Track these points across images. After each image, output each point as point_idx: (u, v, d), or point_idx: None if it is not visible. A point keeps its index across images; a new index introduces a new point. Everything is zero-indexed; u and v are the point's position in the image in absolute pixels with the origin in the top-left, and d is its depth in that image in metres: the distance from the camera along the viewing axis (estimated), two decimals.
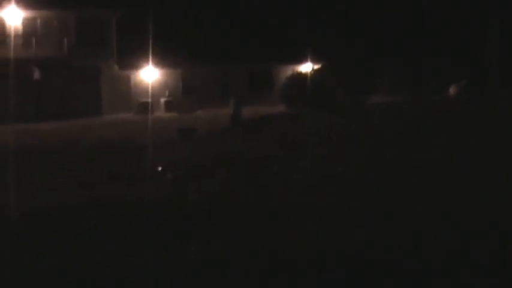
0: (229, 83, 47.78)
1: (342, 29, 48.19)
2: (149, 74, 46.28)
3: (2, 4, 42.38)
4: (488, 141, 16.83)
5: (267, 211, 10.42)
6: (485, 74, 44.68)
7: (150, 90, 44.62)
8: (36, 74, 43.94)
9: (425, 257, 7.47)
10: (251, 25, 48.84)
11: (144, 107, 43.19)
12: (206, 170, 16.82)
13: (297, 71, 44.48)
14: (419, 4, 48.88)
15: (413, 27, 48.59)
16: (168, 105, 46.17)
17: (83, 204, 12.72)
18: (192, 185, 14.30)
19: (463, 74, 44.57)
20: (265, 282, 7.03)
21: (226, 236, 8.97)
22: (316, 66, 45.37)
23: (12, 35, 42.54)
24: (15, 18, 43.02)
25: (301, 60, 47.59)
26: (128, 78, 46.51)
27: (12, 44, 41.81)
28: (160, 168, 18.00)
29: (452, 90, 43.71)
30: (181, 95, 47.29)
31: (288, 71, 46.06)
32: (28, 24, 43.81)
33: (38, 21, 44.11)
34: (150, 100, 43.87)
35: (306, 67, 46.48)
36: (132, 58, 45.14)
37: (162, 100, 46.48)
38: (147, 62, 44.69)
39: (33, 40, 43.80)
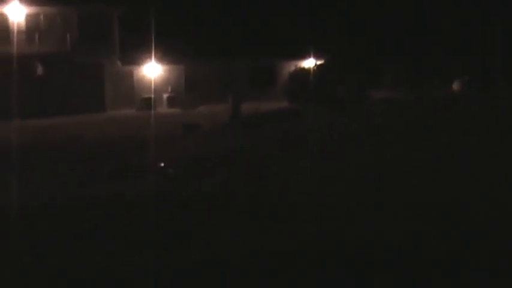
0: (232, 79, 47.78)
1: (344, 24, 48.20)
2: (152, 70, 46.30)
3: (6, 0, 42.44)
4: (489, 140, 16.74)
5: (267, 211, 10.42)
6: (488, 70, 44.65)
7: (152, 86, 44.69)
8: (39, 70, 43.95)
9: (424, 257, 7.46)
10: (254, 21, 48.88)
11: (147, 103, 43.29)
12: (208, 167, 16.85)
13: (299, 67, 44.40)
14: (422, 0, 48.87)
15: (416, 24, 48.60)
16: (171, 101, 46.19)
17: (83, 201, 12.75)
18: (193, 182, 14.32)
19: (466, 70, 44.57)
20: (265, 281, 7.03)
21: (226, 235, 8.97)
22: (319, 62, 45.35)
23: (15, 31, 42.54)
24: (18, 14, 43.06)
25: (304, 56, 47.59)
26: (131, 74, 46.49)
27: (15, 39, 41.82)
28: (162, 164, 18.06)
29: (455, 86, 43.70)
30: (184, 90, 47.29)
31: (291, 67, 45.97)
32: (31, 20, 43.81)
33: (41, 17, 44.12)
34: (152, 96, 43.94)
35: (309, 63, 46.48)
36: (135, 54, 45.16)
37: (165, 96, 46.49)
38: (150, 58, 44.77)
39: (36, 36, 43.80)
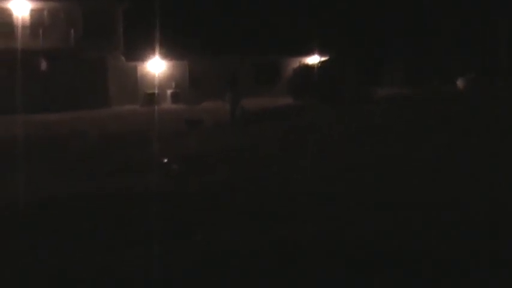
0: (232, 75, 47.80)
1: (348, 21, 48.17)
2: (156, 66, 46.39)
3: None
4: (490, 140, 16.67)
5: (267, 211, 10.43)
6: (493, 68, 44.62)
7: (156, 82, 44.81)
8: (43, 66, 44.04)
9: (425, 257, 7.46)
10: (258, 17, 48.85)
11: (151, 99, 43.40)
12: (209, 165, 16.88)
13: (303, 64, 44.43)
14: None
15: (421, 21, 48.58)
16: (175, 97, 46.28)
17: (80, 197, 12.79)
18: (194, 180, 14.34)
19: (470, 68, 44.54)
20: (265, 282, 7.03)
21: (226, 234, 8.99)
22: (323, 59, 45.36)
23: (20, 27, 42.66)
24: (22, 9, 43.17)
25: (308, 52, 47.67)
26: (135, 70, 46.60)
27: (19, 35, 41.95)
28: (165, 160, 18.09)
29: (459, 83, 43.68)
30: (188, 86, 47.38)
31: (295, 63, 46.00)
32: (35, 15, 43.92)
33: (45, 12, 44.22)
34: (156, 91, 44.04)
35: (313, 59, 46.53)
36: (139, 49, 45.25)
37: (169, 92, 46.57)
38: (154, 53, 44.88)
39: (40, 31, 43.89)
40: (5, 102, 39.18)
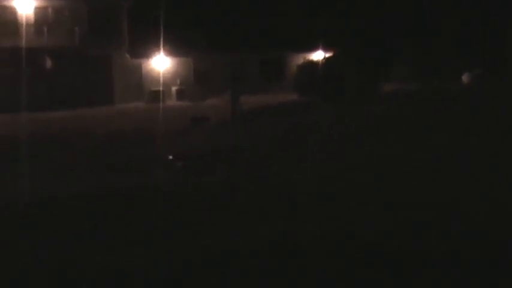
0: (236, 73, 47.82)
1: (354, 17, 48.10)
2: (160, 63, 46.41)
3: None
4: (491, 140, 16.53)
5: (266, 210, 10.48)
6: (499, 63, 44.51)
7: (161, 79, 44.80)
8: (48, 63, 44.11)
9: (425, 257, 7.50)
10: (263, 13, 48.83)
11: (156, 96, 43.41)
12: (212, 163, 16.99)
13: (308, 60, 44.38)
14: None
15: (428, 16, 48.51)
16: (180, 94, 46.29)
17: (83, 196, 12.89)
18: (200, 176, 14.45)
19: (477, 63, 44.46)
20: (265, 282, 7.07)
21: (226, 235, 9.03)
22: (328, 55, 45.33)
23: (24, 25, 42.73)
24: (27, 7, 43.24)
25: (313, 48, 47.65)
26: (140, 67, 46.60)
27: (24, 33, 42.01)
28: (171, 157, 18.21)
29: (464, 78, 43.61)
30: (193, 83, 47.36)
31: (300, 59, 45.95)
32: (40, 13, 43.96)
33: (50, 10, 44.25)
34: (161, 89, 44.06)
35: (318, 56, 46.47)
36: (144, 47, 45.27)
37: (174, 89, 46.58)
38: (159, 50, 44.89)
39: (45, 29, 43.94)
40: (11, 101, 39.24)
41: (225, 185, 13.23)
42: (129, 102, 43.67)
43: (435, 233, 8.42)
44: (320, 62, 42.60)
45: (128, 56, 45.91)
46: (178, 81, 47.18)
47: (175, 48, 45.27)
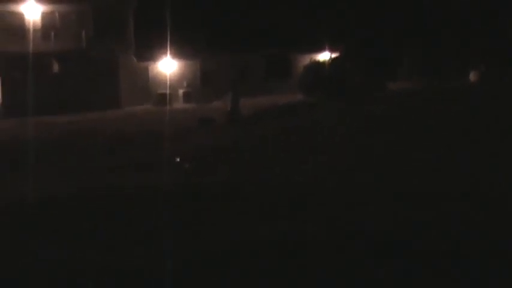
0: (248, 72, 47.97)
1: (360, 16, 48.11)
2: (167, 66, 46.56)
3: None
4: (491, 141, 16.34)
5: (267, 210, 10.58)
6: (506, 60, 44.41)
7: (168, 82, 44.95)
8: (55, 67, 44.36)
9: (424, 257, 7.51)
10: (269, 14, 48.85)
11: (163, 98, 43.55)
12: (219, 164, 17.13)
13: (315, 60, 44.50)
14: None
15: (434, 14, 48.47)
16: (186, 96, 46.44)
17: (82, 198, 13.05)
18: (206, 177, 14.60)
19: (483, 60, 44.45)
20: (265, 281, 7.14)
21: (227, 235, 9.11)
22: (334, 55, 45.45)
23: (31, 29, 42.96)
24: (34, 12, 43.48)
25: (319, 49, 47.74)
26: (146, 70, 46.76)
27: (31, 38, 42.23)
28: (178, 159, 18.34)
29: (471, 76, 43.62)
30: (200, 85, 47.51)
31: (306, 60, 46.06)
32: (46, 18, 44.16)
33: (56, 14, 44.46)
34: (168, 91, 44.21)
35: (324, 56, 46.61)
36: (150, 50, 45.42)
37: (180, 91, 46.72)
38: (165, 53, 45.05)
39: (52, 34, 44.16)
40: (19, 104, 39.49)
41: (225, 185, 13.32)
42: (136, 105, 43.81)
43: (436, 233, 8.43)
44: (326, 63, 42.79)
45: (134, 59, 46.08)
46: (185, 84, 47.31)
47: (181, 51, 45.39)
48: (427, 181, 12.01)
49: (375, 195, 11.03)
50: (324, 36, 46.22)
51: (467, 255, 7.46)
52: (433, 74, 44.79)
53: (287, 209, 10.48)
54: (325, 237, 8.49)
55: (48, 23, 44.16)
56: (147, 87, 46.12)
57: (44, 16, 44.03)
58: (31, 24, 43.16)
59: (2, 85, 42.90)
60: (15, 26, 43.14)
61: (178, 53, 45.76)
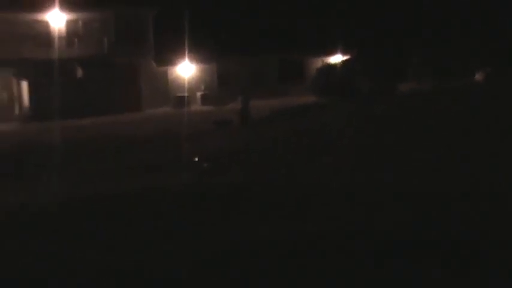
0: (262, 74, 48.34)
1: (370, 19, 48.14)
2: (185, 69, 47.07)
3: (47, 8, 43.61)
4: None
5: (275, 211, 10.65)
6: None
7: (186, 85, 45.56)
8: (79, 73, 44.99)
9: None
10: (283, 18, 49.05)
11: (181, 101, 44.11)
12: (238, 161, 17.65)
13: (327, 63, 44.98)
14: None
15: (440, 14, 48.35)
16: (204, 99, 46.90)
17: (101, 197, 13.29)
18: (223, 177, 15.11)
19: (490, 61, 44.21)
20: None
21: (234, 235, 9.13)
22: (346, 57, 45.82)
23: (56, 37, 43.76)
24: (59, 20, 44.18)
25: (332, 51, 48.02)
26: (166, 74, 47.22)
27: (56, 44, 43.05)
28: (196, 159, 18.83)
29: (478, 76, 43.49)
30: (216, 88, 47.92)
31: (319, 62, 46.54)
32: (70, 25, 44.76)
33: (80, 22, 45.06)
34: (186, 94, 44.85)
35: (336, 59, 47.02)
36: (169, 54, 45.94)
37: (198, 94, 47.18)
38: (183, 57, 45.61)
39: (76, 40, 44.78)
40: (45, 108, 40.24)
41: (237, 185, 13.44)
42: (156, 108, 44.36)
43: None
44: (338, 65, 43.24)
45: (154, 63, 46.68)
46: (202, 87, 47.72)
47: (199, 55, 45.87)
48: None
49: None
50: (335, 39, 46.58)
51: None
52: (442, 75, 44.74)
53: (290, 209, 10.49)
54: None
55: (72, 30, 44.72)
56: (166, 91, 46.61)
57: (68, 24, 44.59)
58: (56, 31, 43.95)
59: (29, 90, 43.77)
60: (42, 34, 43.81)
61: (196, 57, 46.22)
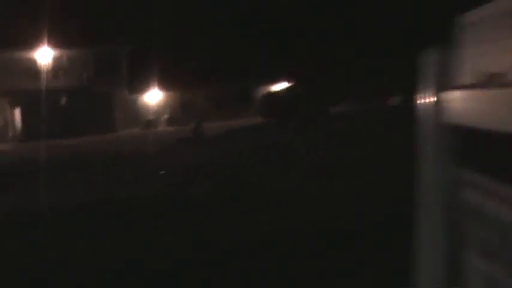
0: (221, 99, 48.22)
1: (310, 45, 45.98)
2: (154, 96, 47.43)
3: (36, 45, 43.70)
4: None
5: None
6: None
7: (154, 109, 45.85)
8: (63, 100, 45.15)
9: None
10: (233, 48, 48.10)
11: (150, 124, 44.54)
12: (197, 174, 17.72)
13: (273, 90, 44.89)
14: None
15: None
16: (170, 121, 47.19)
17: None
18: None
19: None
20: None
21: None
22: (290, 84, 45.33)
23: (44, 70, 43.93)
24: (46, 56, 44.46)
25: (278, 78, 47.75)
26: (137, 100, 47.65)
27: (44, 76, 43.21)
28: (162, 172, 18.91)
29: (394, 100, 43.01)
30: (181, 111, 48.08)
31: (268, 88, 46.49)
32: (56, 60, 45.08)
33: (64, 58, 45.40)
34: (154, 117, 45.17)
35: (282, 85, 46.94)
36: (141, 83, 46.21)
37: (165, 116, 47.52)
38: (153, 86, 45.91)
39: (61, 73, 45.08)
40: (36, 131, 40.18)
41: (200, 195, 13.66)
42: (129, 129, 44.63)
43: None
44: (282, 90, 43.20)
45: (127, 91, 46.95)
46: (168, 110, 48.05)
47: (166, 83, 46.12)
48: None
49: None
50: (282, 66, 45.79)
51: None
52: (374, 96, 41.85)
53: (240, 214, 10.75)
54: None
55: (58, 65, 45.03)
56: (137, 114, 46.94)
57: (54, 59, 44.91)
58: (44, 65, 44.09)
59: (22, 115, 43.79)
60: (32, 67, 44.05)
61: (163, 85, 46.48)
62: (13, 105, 44.30)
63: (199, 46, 47.22)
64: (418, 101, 2.51)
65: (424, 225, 2.63)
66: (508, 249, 2.05)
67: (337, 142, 20.23)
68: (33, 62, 44.30)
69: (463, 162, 2.35)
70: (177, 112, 47.96)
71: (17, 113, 44.28)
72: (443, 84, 2.45)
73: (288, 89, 43.37)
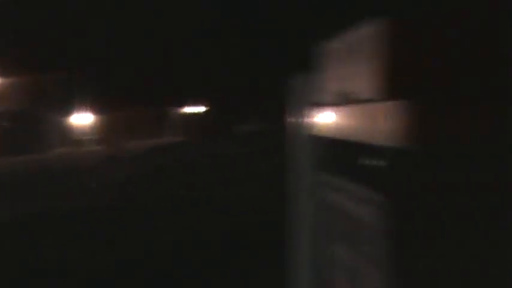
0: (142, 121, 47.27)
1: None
2: (83, 119, 46.52)
3: None
4: None
5: None
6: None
7: (83, 130, 44.86)
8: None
9: None
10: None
11: (80, 143, 43.65)
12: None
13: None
14: None
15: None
16: (98, 141, 46.27)
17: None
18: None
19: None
20: None
21: None
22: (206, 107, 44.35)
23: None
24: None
25: (195, 100, 45.48)
26: (68, 122, 46.64)
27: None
28: (94, 185, 18.66)
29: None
30: (108, 132, 47.21)
31: (186, 110, 45.87)
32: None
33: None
34: (88, 138, 44.17)
35: (199, 108, 45.36)
36: (73, 107, 45.14)
37: (94, 137, 46.58)
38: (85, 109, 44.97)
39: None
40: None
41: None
42: (60, 148, 43.69)
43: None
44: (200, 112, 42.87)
45: (60, 114, 45.79)
46: (95, 131, 47.09)
47: (95, 107, 45.11)
48: None
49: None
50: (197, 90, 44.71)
51: None
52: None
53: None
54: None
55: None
56: (70, 135, 45.82)
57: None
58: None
59: None
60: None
61: (93, 109, 45.47)
62: None
63: (122, 74, 46.20)
64: (289, 119, 2.61)
65: (297, 223, 2.70)
66: (360, 240, 2.13)
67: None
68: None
69: (324, 167, 2.44)
70: (105, 133, 46.87)
71: None
72: (308, 103, 2.55)
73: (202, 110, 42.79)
